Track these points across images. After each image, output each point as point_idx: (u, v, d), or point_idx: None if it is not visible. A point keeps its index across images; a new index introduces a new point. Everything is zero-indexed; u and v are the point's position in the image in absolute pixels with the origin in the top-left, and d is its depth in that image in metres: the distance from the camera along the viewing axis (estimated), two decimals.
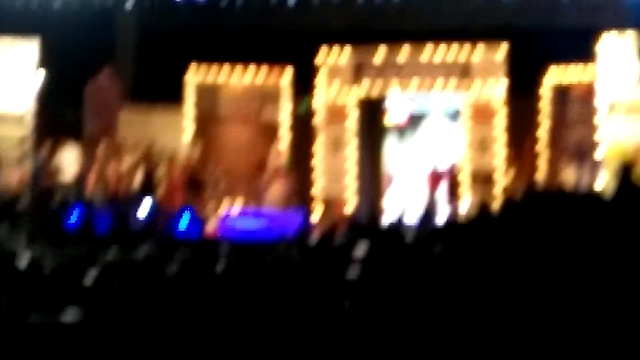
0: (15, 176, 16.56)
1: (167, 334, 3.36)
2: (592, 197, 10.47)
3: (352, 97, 17.25)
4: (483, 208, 11.34)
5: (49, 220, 15.74)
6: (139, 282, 6.91)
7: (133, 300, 6.39)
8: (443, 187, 17.40)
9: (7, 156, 16.84)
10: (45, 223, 15.48)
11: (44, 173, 16.59)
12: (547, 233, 6.18)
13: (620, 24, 15.66)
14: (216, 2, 17.25)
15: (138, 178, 16.78)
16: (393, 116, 18.82)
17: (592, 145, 16.06)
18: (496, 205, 13.69)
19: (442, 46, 16.64)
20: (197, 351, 3.81)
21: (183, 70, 17.69)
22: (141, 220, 15.88)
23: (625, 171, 9.17)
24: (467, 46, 16.60)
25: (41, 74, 16.99)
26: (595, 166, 15.83)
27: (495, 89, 16.56)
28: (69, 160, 16.89)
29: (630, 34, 15.22)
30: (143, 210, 16.17)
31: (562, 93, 16.85)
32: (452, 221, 14.80)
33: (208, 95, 18.06)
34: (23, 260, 8.55)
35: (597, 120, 15.80)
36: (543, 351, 4.14)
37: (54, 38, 16.69)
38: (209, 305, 5.84)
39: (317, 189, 17.25)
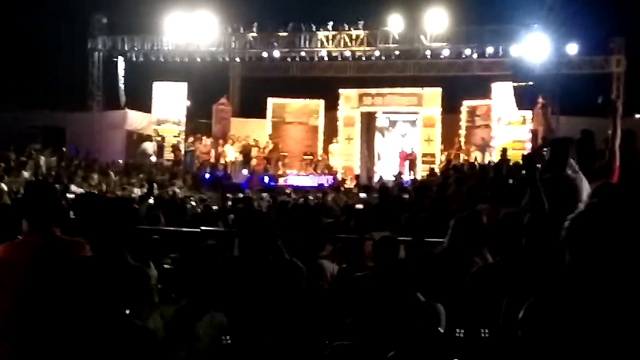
0: (174, 155, 24.04)
1: (259, 226, 3.72)
2: (487, 166, 15.72)
3: (357, 112, 23.48)
4: (430, 173, 18.50)
5: (195, 176, 22.19)
6: (245, 206, 10.93)
7: (242, 212, 9.48)
8: (407, 162, 22.76)
9: (170, 142, 24.15)
10: (193, 178, 22.03)
11: (192, 153, 24.18)
12: (459, 182, 10.59)
13: (506, 75, 21.22)
14: (284, 58, 23.56)
15: (240, 156, 23.94)
16: (380, 122, 24.24)
17: (488, 140, 21.78)
18: (435, 171, 18.90)
19: (408, 87, 23.10)
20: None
21: (265, 97, 24.47)
22: (243, 178, 22.17)
23: (503, 152, 16.26)
24: (421, 87, 22.99)
25: (187, 100, 24.38)
26: (489, 151, 21.28)
27: (435, 110, 22.72)
28: (204, 146, 24.35)
29: (510, 81, 20.58)
30: (244, 173, 22.80)
31: (472, 111, 22.98)
32: (413, 180, 19.35)
33: (279, 110, 24.77)
34: (178, 196, 15.07)
35: (492, 127, 21.78)
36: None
37: (194, 81, 23.80)
38: (281, 212, 8.47)
39: (340, 162, 23.43)
